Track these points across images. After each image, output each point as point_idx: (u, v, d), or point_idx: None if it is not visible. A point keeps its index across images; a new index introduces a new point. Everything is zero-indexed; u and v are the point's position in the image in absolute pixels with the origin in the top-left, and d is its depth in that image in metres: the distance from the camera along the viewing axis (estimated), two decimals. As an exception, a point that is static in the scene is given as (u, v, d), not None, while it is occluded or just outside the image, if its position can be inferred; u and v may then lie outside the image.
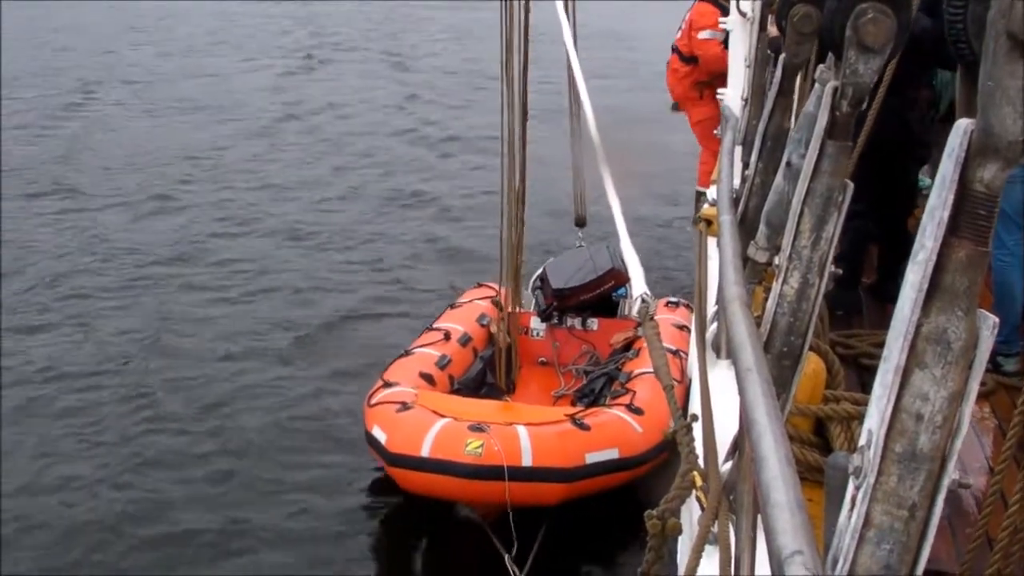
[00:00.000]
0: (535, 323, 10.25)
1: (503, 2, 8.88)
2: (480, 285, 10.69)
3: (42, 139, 21.25)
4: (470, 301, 10.17)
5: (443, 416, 7.78)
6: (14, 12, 36.05)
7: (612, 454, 7.70)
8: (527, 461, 7.45)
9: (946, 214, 1.24)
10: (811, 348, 2.97)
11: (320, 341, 11.72)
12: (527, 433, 7.57)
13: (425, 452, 7.54)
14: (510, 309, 9.81)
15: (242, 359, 11.28)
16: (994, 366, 5.69)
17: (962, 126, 1.24)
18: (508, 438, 7.51)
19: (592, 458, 7.65)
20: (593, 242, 10.85)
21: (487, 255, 13.68)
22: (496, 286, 10.43)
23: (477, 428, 7.54)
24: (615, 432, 7.90)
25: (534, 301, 10.38)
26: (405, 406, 8.01)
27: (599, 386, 9.35)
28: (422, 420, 7.78)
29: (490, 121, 14.05)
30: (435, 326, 9.60)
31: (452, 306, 10.17)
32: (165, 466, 9.08)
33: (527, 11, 8.84)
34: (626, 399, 8.23)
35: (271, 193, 17.66)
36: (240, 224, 15.93)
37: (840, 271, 2.35)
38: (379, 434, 7.94)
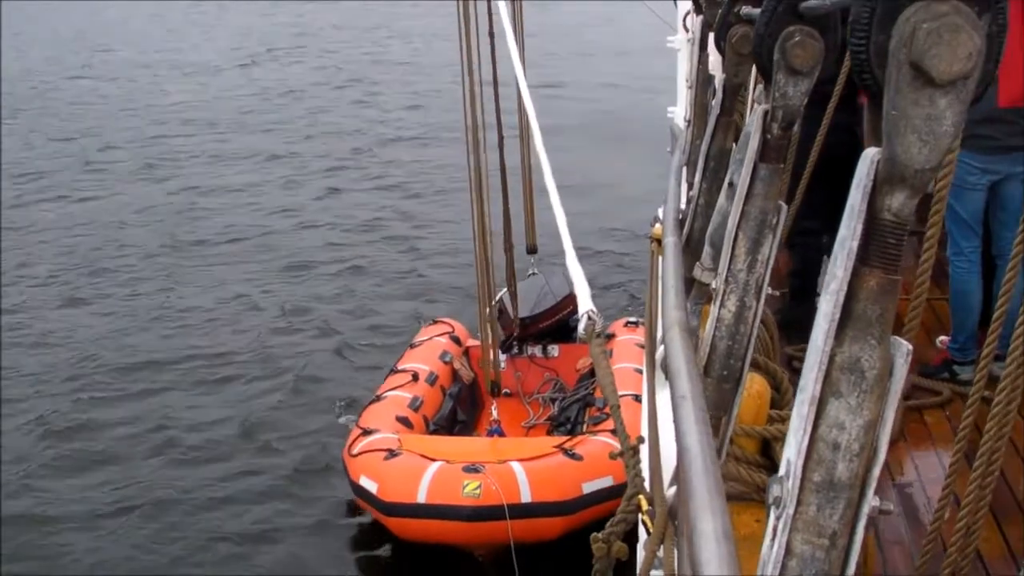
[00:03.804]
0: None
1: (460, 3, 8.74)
2: (436, 322, 10.63)
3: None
4: (429, 339, 10.09)
5: (434, 460, 7.68)
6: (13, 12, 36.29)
7: (607, 482, 7.65)
8: (526, 497, 7.38)
9: (855, 244, 1.24)
10: (759, 367, 2.99)
11: (286, 374, 11.58)
12: (523, 469, 7.49)
13: (421, 498, 7.42)
14: (486, 342, 9.65)
15: (208, 390, 11.18)
16: (950, 375, 5.72)
17: (869, 155, 1.25)
18: (505, 476, 7.43)
19: (588, 487, 7.61)
20: (546, 269, 10.85)
21: (444, 286, 13.71)
22: (451, 321, 10.40)
23: (472, 469, 7.44)
24: (607, 459, 7.82)
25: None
26: (392, 453, 7.86)
27: (574, 413, 9.29)
28: (414, 466, 7.67)
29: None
30: (400, 367, 9.50)
31: (412, 345, 10.09)
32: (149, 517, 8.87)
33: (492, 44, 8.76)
34: (609, 424, 8.16)
35: (232, 219, 17.66)
36: (206, 253, 15.90)
37: (777, 293, 2.35)
38: (369, 484, 7.78)
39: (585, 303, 3.02)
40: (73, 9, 42.91)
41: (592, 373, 9.54)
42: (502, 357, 10.09)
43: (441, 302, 13.14)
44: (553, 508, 7.47)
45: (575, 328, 10.33)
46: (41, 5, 42.25)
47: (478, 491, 7.28)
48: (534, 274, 10.86)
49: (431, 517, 7.40)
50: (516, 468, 7.51)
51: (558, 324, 10.30)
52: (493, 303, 10.04)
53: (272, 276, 14.89)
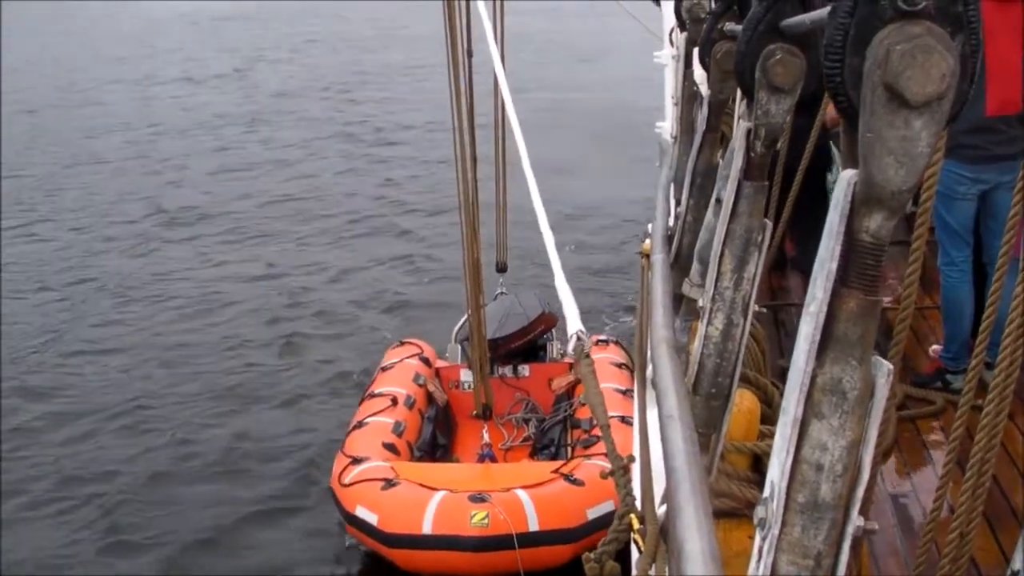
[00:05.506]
0: (465, 375, 9.99)
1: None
2: (403, 343, 10.45)
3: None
4: (400, 360, 9.92)
5: (435, 489, 7.55)
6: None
7: (610, 506, 7.55)
8: (533, 526, 7.27)
9: (834, 265, 1.25)
10: (749, 383, 2.99)
11: (259, 391, 11.50)
12: (529, 497, 7.40)
13: (427, 529, 7.27)
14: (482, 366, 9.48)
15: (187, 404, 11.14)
16: (943, 384, 5.72)
17: (846, 177, 1.25)
18: (512, 505, 7.33)
19: (593, 513, 7.50)
20: (516, 288, 10.76)
21: (411, 304, 13.65)
22: (419, 342, 10.28)
23: (478, 498, 7.32)
24: (607, 483, 7.62)
25: (460, 352, 10.14)
26: (389, 482, 7.70)
27: (557, 435, 9.19)
28: (416, 496, 7.52)
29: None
30: (376, 392, 9.35)
31: (384, 368, 9.91)
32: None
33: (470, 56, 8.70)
34: (600, 446, 8.05)
35: (215, 228, 17.68)
36: (191, 262, 15.90)
37: (764, 310, 2.36)
38: (367, 515, 7.60)
39: (574, 323, 3.02)
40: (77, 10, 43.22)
41: (569, 394, 9.48)
42: (472, 378, 9.90)
43: (407, 320, 13.06)
44: (561, 536, 7.38)
45: (545, 347, 10.29)
46: (41, 6, 42.50)
47: (486, 521, 7.18)
48: (503, 293, 10.74)
49: (438, 548, 7.25)
50: (522, 496, 7.41)
51: (529, 344, 10.19)
52: (459, 324, 9.88)
53: (237, 287, 14.90)
